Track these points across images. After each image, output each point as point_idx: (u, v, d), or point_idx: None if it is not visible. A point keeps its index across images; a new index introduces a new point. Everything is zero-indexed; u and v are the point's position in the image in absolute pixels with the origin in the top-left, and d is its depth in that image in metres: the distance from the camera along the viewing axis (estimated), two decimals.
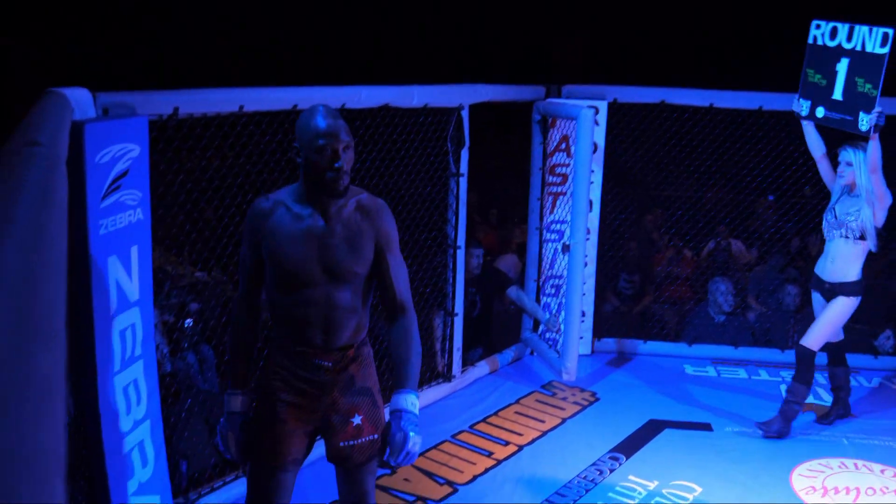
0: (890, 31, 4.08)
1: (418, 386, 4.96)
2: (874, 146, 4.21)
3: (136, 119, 2.97)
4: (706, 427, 4.78)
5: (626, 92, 5.63)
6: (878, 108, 4.14)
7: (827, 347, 4.71)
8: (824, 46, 4.42)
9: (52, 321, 0.61)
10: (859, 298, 4.51)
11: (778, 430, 4.60)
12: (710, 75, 7.38)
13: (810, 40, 4.51)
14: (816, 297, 4.68)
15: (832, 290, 4.53)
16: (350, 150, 2.48)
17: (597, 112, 5.12)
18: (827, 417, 4.83)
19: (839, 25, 4.33)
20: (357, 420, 2.65)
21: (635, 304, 6.37)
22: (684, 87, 5.66)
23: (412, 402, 2.62)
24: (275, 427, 2.62)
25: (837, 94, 4.36)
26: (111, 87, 3.00)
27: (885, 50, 4.09)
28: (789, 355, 5.86)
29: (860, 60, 4.24)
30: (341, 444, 2.64)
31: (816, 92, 4.49)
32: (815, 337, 4.56)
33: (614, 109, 5.63)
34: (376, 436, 2.67)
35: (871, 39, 4.17)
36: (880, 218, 4.39)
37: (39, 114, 1.90)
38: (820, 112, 4.48)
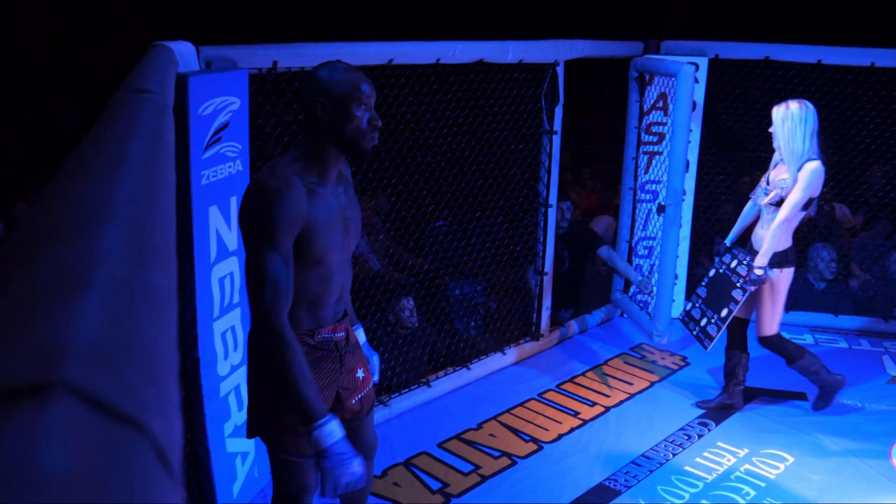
0: None
1: (507, 344, 5.02)
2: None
3: (237, 72, 3.03)
4: (801, 397, 4.66)
5: (729, 48, 5.44)
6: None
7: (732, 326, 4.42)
8: None
9: (165, 246, 0.64)
10: (788, 269, 4.15)
11: (825, 403, 4.45)
12: (817, 30, 7.06)
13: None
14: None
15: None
16: None
17: (697, 69, 4.97)
18: (709, 405, 4.51)
19: None
20: (361, 373, 2.60)
21: None
22: (790, 42, 5.43)
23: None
24: None
25: None
26: (213, 41, 3.07)
27: None
28: (894, 325, 5.66)
29: None
30: (353, 400, 2.58)
31: None
32: (764, 323, 4.27)
33: (715, 66, 5.45)
34: (376, 379, 2.73)
35: None
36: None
37: (148, 65, 1.96)
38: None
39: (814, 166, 3.94)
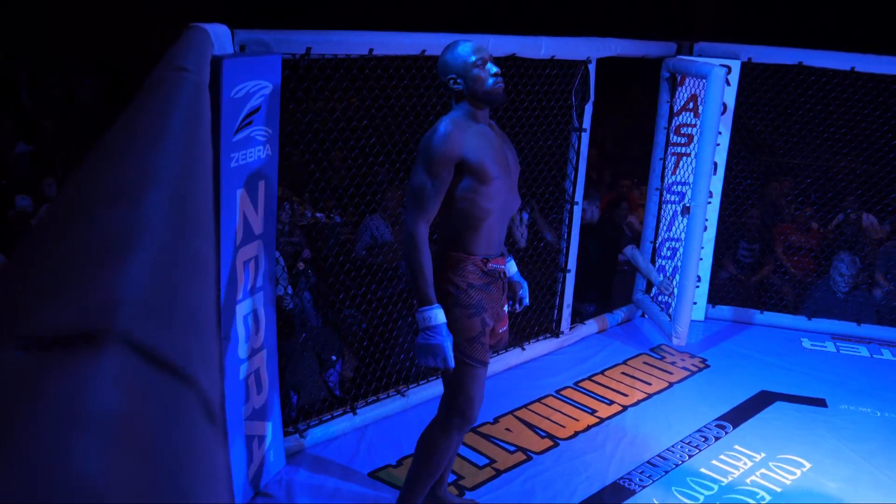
0: None
1: (527, 340, 5.01)
2: None
3: (270, 57, 3.05)
4: (820, 403, 4.63)
5: (762, 52, 5.39)
6: None
7: None
8: None
9: (205, 217, 0.65)
10: None
11: None
12: (852, 37, 6.98)
13: None
14: None
15: None
16: (494, 62, 2.84)
17: (729, 71, 4.95)
18: None
19: None
20: (507, 308, 3.12)
21: (753, 274, 6.18)
22: (824, 48, 5.38)
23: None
24: (486, 332, 2.92)
25: None
26: (248, 25, 3.09)
27: None
28: None
29: None
30: (501, 329, 3.07)
31: None
32: None
33: (747, 69, 5.41)
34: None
35: None
36: None
37: (185, 45, 1.98)
38: None
39: None
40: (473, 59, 2.78)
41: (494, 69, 2.80)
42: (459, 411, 2.99)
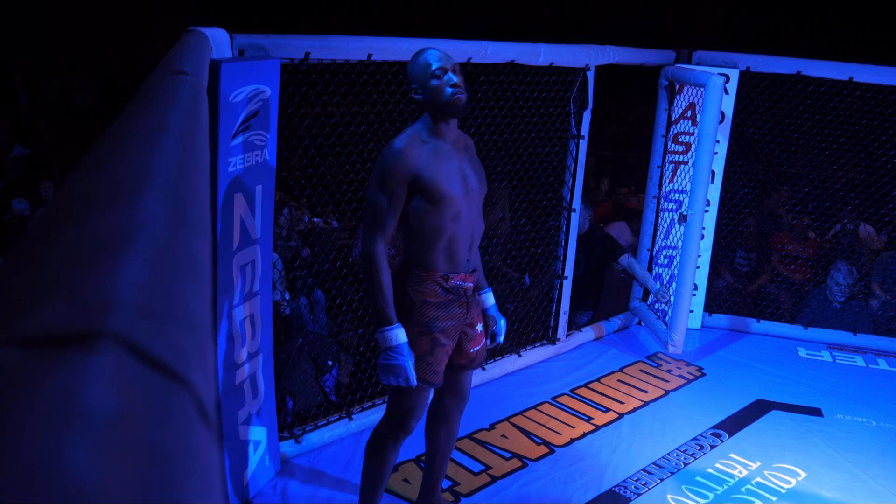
0: None
1: (523, 346, 5.01)
2: None
3: (269, 62, 3.05)
4: (816, 412, 4.63)
5: (760, 61, 5.41)
6: None
7: None
8: None
9: (202, 218, 0.65)
10: None
11: None
12: (851, 47, 7.00)
13: None
14: None
15: None
16: (459, 73, 2.70)
17: (727, 80, 4.96)
18: None
19: None
20: (480, 328, 3.03)
21: (750, 282, 6.19)
22: (823, 58, 5.39)
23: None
24: (437, 352, 2.85)
25: None
26: (247, 29, 3.09)
27: None
28: None
29: None
30: (472, 349, 3.01)
31: None
32: None
33: (746, 78, 5.42)
34: (487, 339, 3.12)
35: None
36: None
37: (183, 48, 1.98)
38: None
39: None
40: (433, 68, 2.67)
41: (455, 79, 2.67)
42: (396, 422, 2.97)
